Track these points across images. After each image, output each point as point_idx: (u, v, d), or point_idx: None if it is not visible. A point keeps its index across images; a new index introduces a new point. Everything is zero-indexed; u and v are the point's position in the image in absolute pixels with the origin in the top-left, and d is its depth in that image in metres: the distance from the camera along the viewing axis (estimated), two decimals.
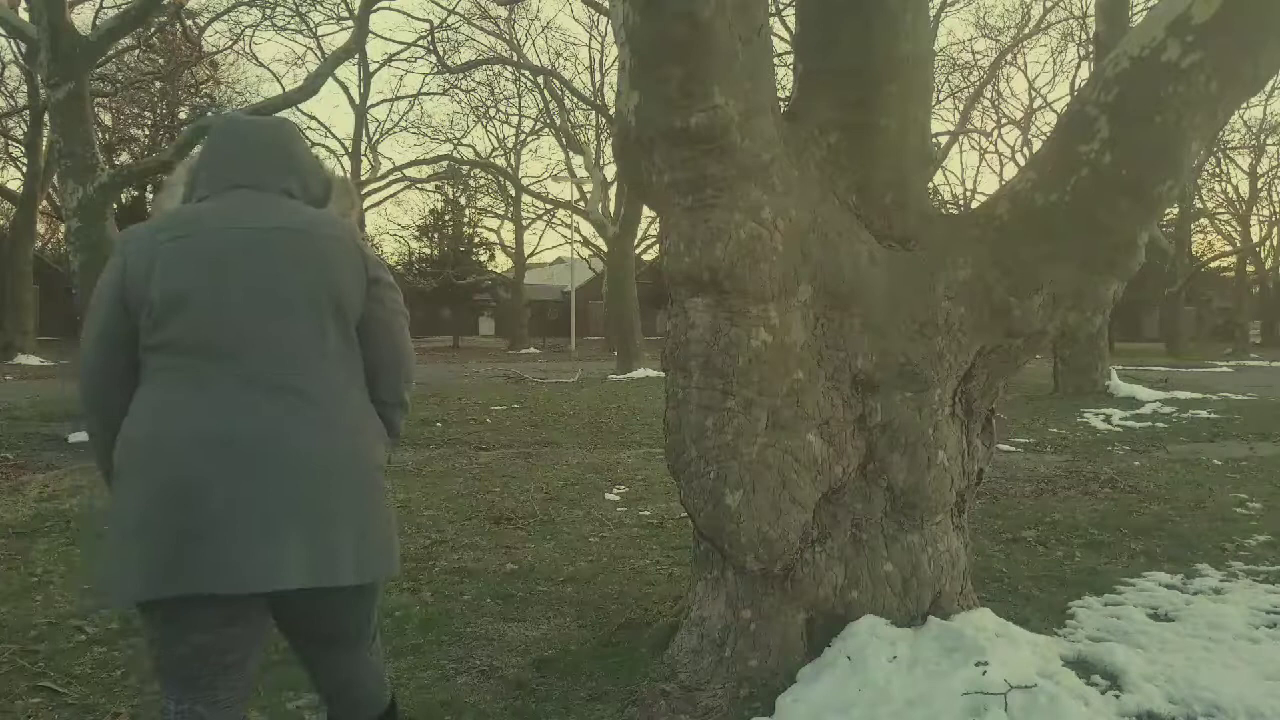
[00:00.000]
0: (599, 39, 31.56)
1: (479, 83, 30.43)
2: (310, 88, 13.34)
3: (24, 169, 25.42)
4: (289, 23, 26.82)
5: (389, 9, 25.45)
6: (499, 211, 39.18)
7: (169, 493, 1.67)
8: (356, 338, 1.89)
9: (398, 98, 36.81)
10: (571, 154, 31.31)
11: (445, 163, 32.71)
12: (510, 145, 36.59)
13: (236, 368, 1.74)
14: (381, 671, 2.08)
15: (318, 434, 1.76)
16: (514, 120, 35.23)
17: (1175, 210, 31.35)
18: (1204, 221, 37.70)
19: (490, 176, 35.48)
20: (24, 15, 14.37)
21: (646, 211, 21.66)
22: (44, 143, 22.29)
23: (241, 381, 1.73)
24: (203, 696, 1.78)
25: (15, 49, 23.25)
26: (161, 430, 1.72)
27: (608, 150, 27.90)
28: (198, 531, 1.65)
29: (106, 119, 26.42)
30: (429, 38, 24.54)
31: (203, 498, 1.66)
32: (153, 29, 20.43)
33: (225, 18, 24.89)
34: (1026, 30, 27.15)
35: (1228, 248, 39.12)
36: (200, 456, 1.68)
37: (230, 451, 1.68)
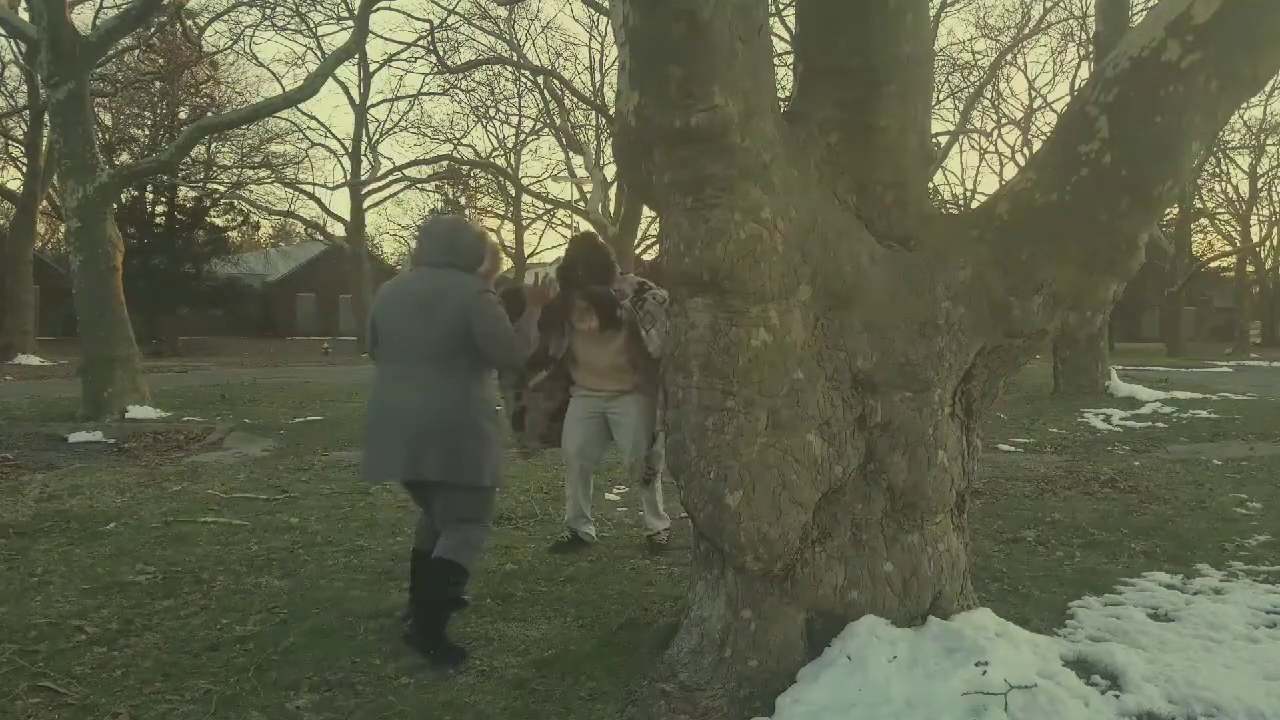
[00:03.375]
0: (599, 39, 31.55)
1: (479, 83, 30.47)
2: (310, 88, 13.34)
3: (24, 169, 25.44)
4: (289, 23, 26.88)
5: (389, 9, 25.49)
6: (499, 211, 39.17)
7: (374, 433, 3.41)
8: (474, 346, 3.35)
9: (398, 98, 36.72)
10: (571, 154, 31.33)
11: (445, 163, 32.69)
12: (510, 145, 36.59)
13: (402, 366, 3.36)
14: (468, 545, 3.42)
15: (430, 401, 3.29)
16: (514, 120, 35.25)
17: (1175, 210, 31.35)
18: (1204, 221, 37.71)
19: (490, 176, 35.48)
20: (24, 15, 14.38)
21: (646, 211, 21.72)
22: (44, 143, 22.31)
23: (402, 373, 3.35)
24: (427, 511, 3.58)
25: (15, 49, 23.27)
26: (374, 399, 3.44)
27: (608, 150, 27.89)
28: (381, 450, 3.37)
29: (106, 119, 26.44)
30: (429, 38, 24.58)
31: (383, 434, 3.34)
32: (153, 29, 20.45)
33: (225, 18, 24.95)
34: (1026, 30, 27.19)
35: (1228, 248, 39.11)
36: (385, 414, 3.36)
37: (394, 411, 3.32)
